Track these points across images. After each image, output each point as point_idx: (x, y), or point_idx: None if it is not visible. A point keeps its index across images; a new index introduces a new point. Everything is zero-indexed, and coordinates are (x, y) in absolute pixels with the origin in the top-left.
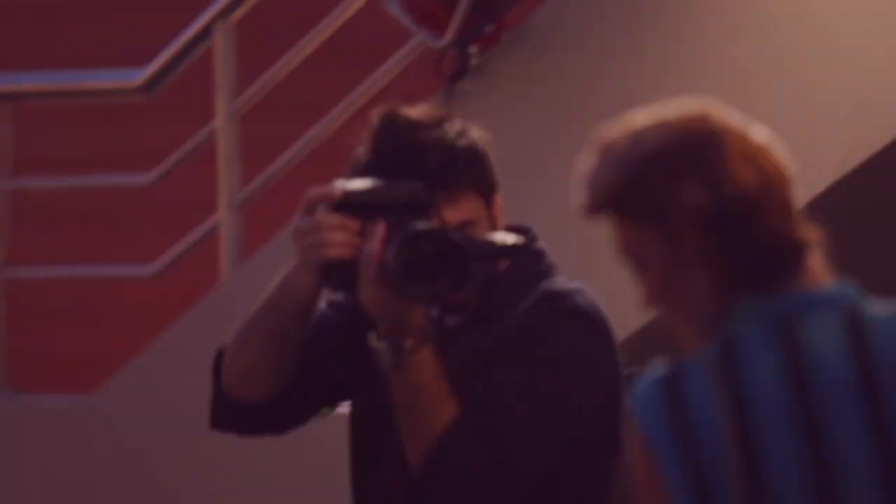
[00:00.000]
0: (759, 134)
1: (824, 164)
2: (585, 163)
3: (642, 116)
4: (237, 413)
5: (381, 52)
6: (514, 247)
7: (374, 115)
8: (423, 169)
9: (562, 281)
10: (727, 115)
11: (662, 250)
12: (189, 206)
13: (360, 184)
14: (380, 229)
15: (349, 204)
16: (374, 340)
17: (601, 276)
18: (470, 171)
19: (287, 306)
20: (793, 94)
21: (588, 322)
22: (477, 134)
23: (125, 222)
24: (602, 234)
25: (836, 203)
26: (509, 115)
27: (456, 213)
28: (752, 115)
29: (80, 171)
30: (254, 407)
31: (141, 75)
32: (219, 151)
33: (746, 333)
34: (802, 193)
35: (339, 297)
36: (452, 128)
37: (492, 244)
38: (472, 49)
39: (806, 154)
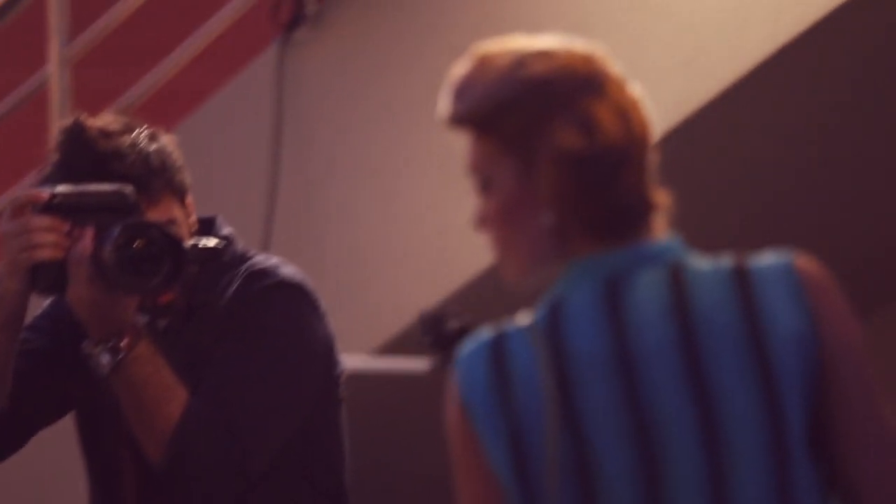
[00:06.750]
0: (635, 90)
1: (655, 115)
2: (459, 71)
3: (527, 42)
4: None
5: None
6: (216, 249)
7: (58, 129)
8: (121, 174)
9: (261, 258)
10: (610, 63)
11: (515, 178)
12: (20, 154)
13: (67, 187)
14: (90, 229)
15: (58, 206)
16: (88, 346)
17: (436, 220)
18: (165, 174)
19: None
20: (622, 45)
21: (296, 291)
22: (165, 138)
23: None
24: (435, 181)
25: (667, 152)
26: (346, 64)
27: (158, 214)
28: None
29: None
30: None
31: None
32: (51, 99)
33: (573, 294)
34: None
35: (42, 314)
36: (142, 133)
37: (198, 246)
38: None
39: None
